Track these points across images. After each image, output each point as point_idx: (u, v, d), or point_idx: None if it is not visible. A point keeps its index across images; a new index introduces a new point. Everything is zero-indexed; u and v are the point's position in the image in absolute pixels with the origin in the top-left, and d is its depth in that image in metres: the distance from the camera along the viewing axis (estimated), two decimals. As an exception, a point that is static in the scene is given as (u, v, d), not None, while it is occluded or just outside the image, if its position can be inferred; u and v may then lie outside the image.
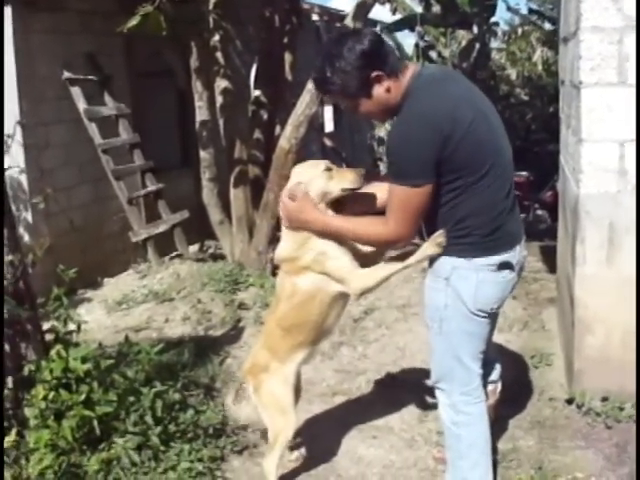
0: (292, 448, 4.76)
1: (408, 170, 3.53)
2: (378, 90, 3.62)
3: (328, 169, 3.93)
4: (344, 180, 3.93)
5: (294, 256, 4.02)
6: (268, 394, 4.28)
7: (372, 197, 4.03)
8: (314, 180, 3.92)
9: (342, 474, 4.68)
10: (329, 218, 3.90)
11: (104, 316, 8.05)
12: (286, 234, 4.08)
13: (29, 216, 8.51)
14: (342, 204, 4.01)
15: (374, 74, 3.58)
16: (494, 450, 4.38)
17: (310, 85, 8.41)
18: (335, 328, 4.39)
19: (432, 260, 3.82)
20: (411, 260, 3.88)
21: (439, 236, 3.71)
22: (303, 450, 4.86)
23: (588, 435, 4.90)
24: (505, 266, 3.73)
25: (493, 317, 3.94)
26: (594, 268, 5.04)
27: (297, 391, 4.52)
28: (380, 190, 3.93)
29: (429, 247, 3.76)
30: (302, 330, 4.16)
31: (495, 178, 3.62)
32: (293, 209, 3.89)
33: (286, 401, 4.26)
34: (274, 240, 4.17)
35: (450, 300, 3.75)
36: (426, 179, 3.51)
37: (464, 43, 19.93)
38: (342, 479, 4.64)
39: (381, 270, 3.98)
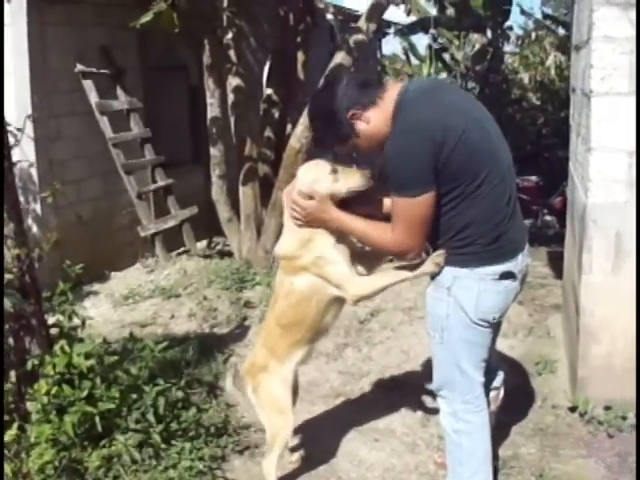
0: (293, 449, 4.79)
1: (406, 181, 3.56)
2: (360, 126, 3.71)
3: (334, 171, 3.92)
4: (350, 181, 3.93)
5: (294, 255, 4.03)
6: (267, 395, 4.30)
7: (378, 200, 4.04)
8: (321, 181, 3.91)
9: (343, 476, 4.68)
10: (347, 219, 3.87)
11: (110, 310, 8.08)
12: (289, 232, 4.08)
13: (38, 208, 8.53)
14: (347, 204, 3.99)
15: (349, 115, 3.67)
16: (495, 456, 4.38)
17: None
18: (332, 326, 4.37)
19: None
20: (409, 275, 3.92)
21: (438, 256, 3.74)
22: (303, 452, 4.87)
23: (590, 444, 4.89)
24: (507, 275, 3.73)
25: (495, 326, 3.95)
26: (600, 277, 5.03)
27: (294, 391, 4.55)
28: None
29: (428, 265, 3.79)
30: (300, 328, 4.17)
31: (493, 186, 3.62)
32: (315, 208, 3.86)
33: (284, 402, 4.27)
34: None
35: (452, 310, 3.76)
36: (425, 188, 3.53)
37: (477, 46, 19.93)
38: (342, 481, 4.64)
39: (378, 280, 4.02)
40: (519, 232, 3.84)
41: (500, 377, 4.44)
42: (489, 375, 4.18)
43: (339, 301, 4.12)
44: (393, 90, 3.70)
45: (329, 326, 4.29)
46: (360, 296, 4.03)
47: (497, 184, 3.63)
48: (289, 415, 4.27)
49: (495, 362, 4.38)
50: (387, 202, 3.92)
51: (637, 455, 4.39)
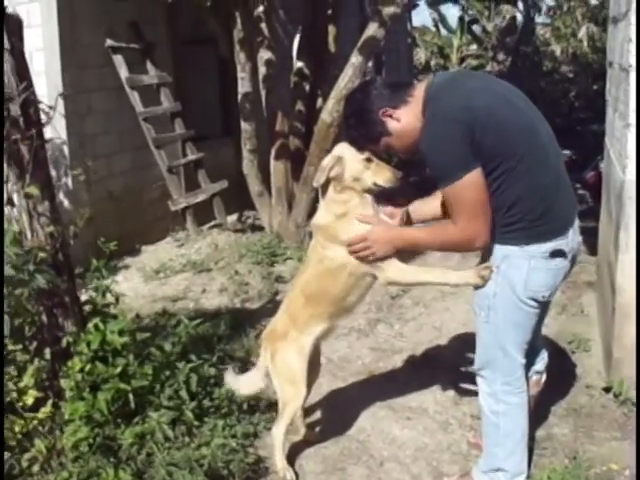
0: (310, 426, 4.90)
1: (446, 168, 3.57)
2: (392, 124, 3.77)
3: (368, 159, 3.96)
4: (379, 176, 3.99)
5: (331, 227, 4.04)
6: (282, 363, 4.35)
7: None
8: (352, 161, 3.95)
9: (375, 454, 4.67)
10: (405, 231, 3.99)
11: (141, 284, 8.11)
12: (325, 204, 4.09)
13: (69, 182, 8.54)
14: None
15: (380, 113, 3.74)
16: (529, 436, 4.36)
17: (353, 59, 8.36)
18: (356, 307, 4.39)
19: (483, 248, 3.82)
20: (451, 279, 3.98)
21: (485, 268, 3.75)
22: (319, 429, 4.97)
23: (624, 426, 4.84)
24: (558, 254, 3.69)
25: (543, 307, 3.92)
26: (637, 255, 4.96)
27: (316, 366, 4.65)
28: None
29: (473, 276, 3.81)
30: (322, 301, 4.22)
31: (535, 159, 3.60)
32: (378, 235, 3.92)
33: (298, 373, 4.32)
34: (313, 213, 4.22)
35: (500, 289, 3.74)
36: (467, 169, 3.52)
37: (509, 18, 19.84)
38: (374, 459, 4.63)
39: (418, 273, 4.08)
40: (568, 205, 3.80)
41: (544, 361, 4.44)
42: (533, 357, 4.21)
43: (366, 281, 4.14)
44: (420, 88, 3.76)
45: (352, 306, 4.32)
46: (394, 280, 4.09)
47: (539, 157, 3.62)
48: (301, 387, 4.34)
49: (540, 345, 4.39)
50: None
51: (637, 446, 4.32)
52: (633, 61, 4.82)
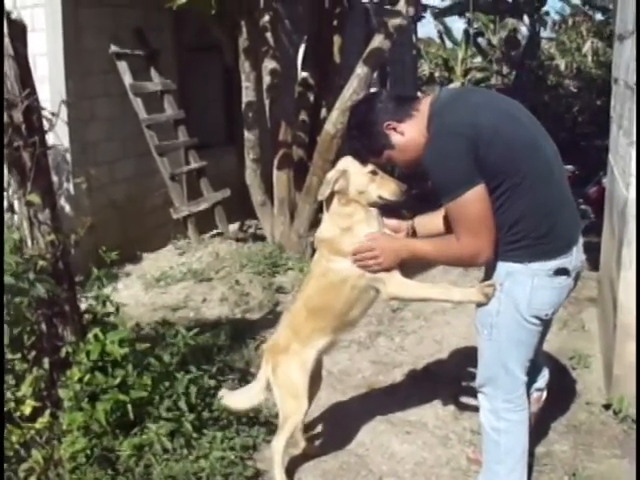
0: (310, 439, 4.86)
1: (450, 183, 3.55)
2: (395, 137, 3.76)
3: (373, 172, 3.96)
4: (384, 188, 3.98)
5: (336, 240, 4.02)
6: (284, 376, 4.32)
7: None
8: (357, 175, 3.95)
9: (373, 469, 4.65)
10: (411, 243, 3.98)
11: (142, 292, 8.09)
12: (330, 217, 4.08)
13: (71, 188, 8.52)
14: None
15: (384, 126, 3.74)
16: (528, 453, 4.34)
17: (359, 70, 8.37)
18: (359, 322, 4.38)
19: (487, 265, 3.80)
20: (454, 296, 3.97)
21: (488, 286, 3.73)
22: (319, 442, 4.94)
23: (624, 443, 4.81)
24: (561, 272, 3.67)
25: (546, 324, 3.90)
26: (637, 273, 4.93)
27: (317, 379, 4.60)
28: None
29: (476, 294, 3.79)
30: (325, 315, 4.19)
31: (538, 176, 3.58)
32: (384, 245, 3.92)
33: (300, 386, 4.29)
34: (315, 224, 4.21)
35: (503, 307, 3.72)
36: (471, 184, 3.49)
37: (510, 30, 19.94)
38: (373, 474, 4.60)
39: (421, 288, 4.06)
40: (572, 223, 3.77)
41: (545, 378, 4.42)
42: (534, 374, 4.19)
43: (369, 294, 4.11)
44: (425, 103, 3.76)
45: (356, 320, 4.31)
46: (396, 295, 4.08)
47: (542, 173, 3.60)
48: (302, 401, 4.30)
49: (541, 362, 4.37)
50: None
51: (637, 449, 4.30)
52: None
